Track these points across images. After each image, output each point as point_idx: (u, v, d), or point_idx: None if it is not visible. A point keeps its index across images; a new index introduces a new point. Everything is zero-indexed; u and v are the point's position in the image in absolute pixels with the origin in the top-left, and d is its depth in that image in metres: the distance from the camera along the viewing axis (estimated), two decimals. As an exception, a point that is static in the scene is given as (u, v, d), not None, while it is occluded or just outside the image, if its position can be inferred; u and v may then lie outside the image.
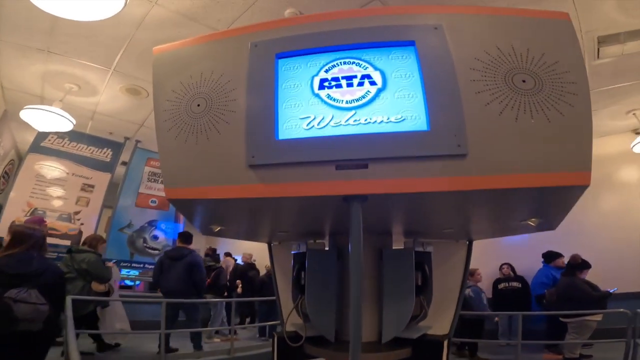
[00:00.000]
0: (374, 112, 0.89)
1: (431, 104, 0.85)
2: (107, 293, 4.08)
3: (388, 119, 0.88)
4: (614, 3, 3.19)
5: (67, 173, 6.06)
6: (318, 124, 0.90)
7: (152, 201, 6.87)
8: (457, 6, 0.96)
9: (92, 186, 6.27)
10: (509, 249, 5.60)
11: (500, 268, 5.58)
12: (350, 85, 0.92)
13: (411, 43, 0.91)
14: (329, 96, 0.92)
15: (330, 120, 0.89)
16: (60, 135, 5.96)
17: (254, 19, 3.53)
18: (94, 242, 4.24)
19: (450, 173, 0.80)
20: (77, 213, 6.01)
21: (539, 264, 5.31)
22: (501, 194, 0.82)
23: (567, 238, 4.88)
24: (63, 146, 6.09)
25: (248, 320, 6.85)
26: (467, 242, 1.60)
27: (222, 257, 7.09)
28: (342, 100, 0.91)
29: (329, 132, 0.89)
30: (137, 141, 6.66)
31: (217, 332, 5.58)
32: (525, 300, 5.20)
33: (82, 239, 4.43)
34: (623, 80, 4.30)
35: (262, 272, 7.05)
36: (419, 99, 0.88)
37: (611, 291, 4.26)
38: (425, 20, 0.93)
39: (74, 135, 6.07)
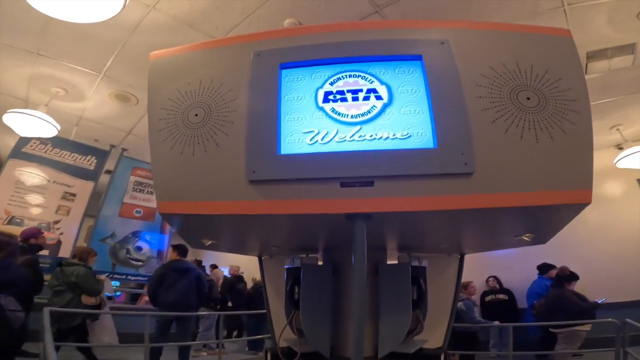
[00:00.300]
0: (380, 128, 0.86)
1: (439, 121, 0.83)
2: (99, 306, 3.98)
3: (394, 135, 0.85)
4: (605, 18, 3.28)
5: (48, 180, 5.84)
6: (322, 138, 0.86)
7: (136, 211, 6.68)
8: (462, 21, 0.96)
9: (74, 195, 6.06)
10: (496, 262, 5.67)
11: (487, 280, 5.66)
12: (355, 99, 0.89)
13: (418, 57, 0.90)
14: (333, 110, 0.89)
15: (334, 136, 0.86)
16: (43, 141, 5.77)
17: (252, 27, 3.50)
18: (85, 255, 4.13)
19: (457, 191, 0.78)
20: (56, 222, 5.78)
21: (525, 276, 5.39)
22: (505, 212, 0.81)
23: (554, 251, 4.96)
24: (45, 152, 5.89)
25: (235, 333, 6.70)
26: (459, 256, 1.63)
27: (207, 270, 6.95)
28: (347, 115, 0.88)
29: (334, 147, 0.85)
30: (123, 149, 6.50)
31: (204, 345, 5.44)
32: (512, 311, 5.27)
33: (72, 252, 4.28)
34: (608, 95, 4.42)
35: (249, 284, 6.93)
36: (425, 115, 0.87)
37: (599, 302, 4.32)
38: (432, 35, 0.92)
39: (57, 142, 5.88)
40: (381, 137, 0.85)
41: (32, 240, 4.11)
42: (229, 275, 6.84)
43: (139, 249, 6.47)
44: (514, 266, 5.56)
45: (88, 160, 6.27)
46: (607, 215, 5.50)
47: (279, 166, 0.84)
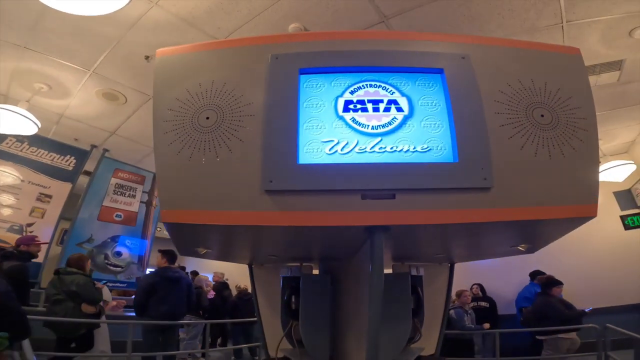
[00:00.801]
0: (401, 140, 0.85)
1: (460, 136, 0.83)
2: (98, 315, 3.87)
3: (414, 148, 0.84)
4: (599, 35, 3.43)
5: (22, 180, 5.56)
6: (342, 149, 0.84)
7: (117, 215, 6.41)
8: (480, 37, 0.97)
9: (50, 196, 5.78)
10: (480, 270, 5.83)
11: (471, 288, 5.81)
12: (376, 109, 0.88)
13: (439, 71, 0.90)
14: (354, 120, 0.87)
15: (355, 146, 0.84)
16: (19, 138, 5.51)
17: (256, 30, 3.45)
18: (80, 262, 3.97)
19: (476, 205, 0.79)
20: (29, 225, 5.48)
21: (508, 284, 5.66)
22: (520, 225, 0.82)
23: (536, 260, 5.23)
24: (21, 151, 5.62)
25: (219, 341, 6.50)
26: (449, 265, 1.68)
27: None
28: (368, 126, 0.87)
29: (354, 159, 0.83)
30: (105, 150, 6.29)
31: (189, 354, 5.26)
32: (492, 318, 5.45)
33: (67, 261, 4.04)
34: (593, 111, 4.63)
35: (233, 291, 6.77)
36: (445, 128, 0.86)
37: (586, 310, 4.43)
38: (453, 49, 0.92)
39: (34, 140, 5.62)
40: (402, 150, 0.84)
41: (22, 247, 3.92)
42: (213, 283, 6.67)
43: (118, 254, 6.19)
44: (497, 274, 5.77)
45: (66, 160, 6.02)
46: (585, 226, 5.73)
47: (298, 176, 0.81)
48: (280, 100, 0.88)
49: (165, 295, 4.08)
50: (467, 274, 5.84)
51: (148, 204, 6.84)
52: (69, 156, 6.04)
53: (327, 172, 0.81)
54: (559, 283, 4.60)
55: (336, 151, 0.84)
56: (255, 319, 1.77)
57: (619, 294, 5.21)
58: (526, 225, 0.82)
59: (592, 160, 0.85)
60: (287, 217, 0.80)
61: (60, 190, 5.86)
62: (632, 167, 5.63)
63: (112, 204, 6.38)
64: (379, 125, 0.87)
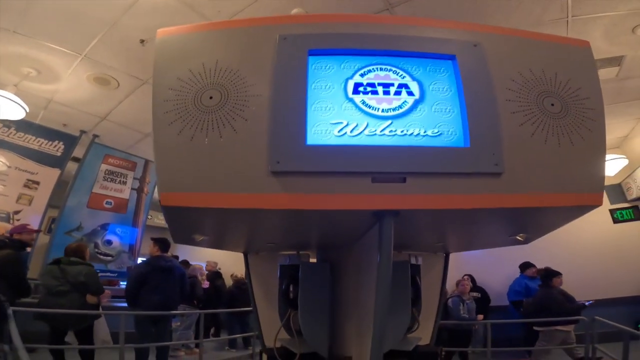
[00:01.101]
0: (411, 124, 0.84)
1: (472, 121, 0.82)
2: (98, 305, 3.85)
3: (425, 132, 0.84)
4: (602, 30, 3.46)
5: (9, 166, 5.41)
6: (351, 131, 0.82)
7: (107, 202, 6.27)
8: (492, 26, 0.96)
9: (37, 183, 5.64)
10: (471, 261, 5.86)
11: (462, 279, 5.75)
12: (387, 92, 0.86)
13: (451, 57, 0.89)
14: (364, 102, 0.85)
15: (364, 129, 0.83)
16: (5, 123, 5.35)
17: (257, 14, 3.37)
18: (81, 252, 3.88)
19: (487, 190, 0.79)
20: (17, 212, 5.35)
21: (498, 275, 5.72)
22: (528, 212, 0.83)
23: (524, 253, 5.26)
24: (8, 136, 5.46)
25: (212, 331, 6.39)
26: (444, 255, 1.71)
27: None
28: (378, 109, 0.85)
29: (364, 141, 0.82)
30: (95, 135, 6.14)
31: (182, 345, 5.19)
32: (484, 309, 5.49)
33: (65, 250, 3.92)
34: (588, 105, 4.69)
35: (227, 281, 6.65)
36: (456, 114, 0.86)
37: (587, 304, 4.48)
38: (464, 36, 0.92)
39: (21, 125, 5.46)
40: (412, 134, 0.83)
41: (15, 236, 3.79)
42: (206, 272, 6.55)
43: (109, 242, 6.08)
44: (485, 266, 5.82)
45: (55, 146, 5.87)
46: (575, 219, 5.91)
47: (306, 157, 0.79)
48: (288, 81, 0.85)
49: (157, 285, 3.98)
50: (456, 266, 5.89)
51: (139, 190, 6.72)
52: (57, 142, 5.89)
53: (336, 153, 0.80)
54: (557, 274, 4.63)
55: (345, 133, 0.82)
56: (251, 308, 1.76)
57: (607, 287, 5.27)
58: (534, 212, 0.83)
59: (600, 150, 0.86)
60: (294, 199, 0.78)
61: (48, 176, 5.72)
62: (624, 162, 5.73)
63: (102, 191, 6.24)
64: (390, 109, 0.85)
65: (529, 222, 0.97)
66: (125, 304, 4.32)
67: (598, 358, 4.14)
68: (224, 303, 6.08)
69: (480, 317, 5.11)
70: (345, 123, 0.83)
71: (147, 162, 6.80)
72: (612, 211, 6.17)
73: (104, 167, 6.31)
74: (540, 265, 5.25)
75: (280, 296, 1.44)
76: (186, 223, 1.02)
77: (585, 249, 5.79)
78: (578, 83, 0.90)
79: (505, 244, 1.40)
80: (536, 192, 0.80)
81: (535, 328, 4.49)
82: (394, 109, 0.85)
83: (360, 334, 1.20)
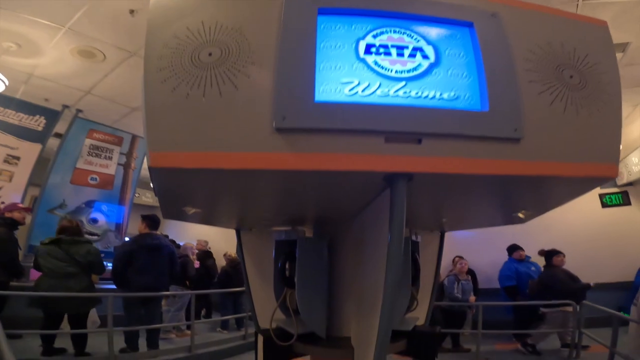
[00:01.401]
0: (426, 87, 0.80)
1: (491, 86, 0.80)
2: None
3: (441, 95, 0.80)
4: (611, 16, 3.48)
5: (-12, 141, 5.21)
6: (363, 90, 0.78)
7: (92, 178, 6.06)
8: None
9: (18, 158, 5.44)
10: (462, 243, 5.86)
11: (453, 260, 5.73)
12: (400, 55, 0.81)
13: (469, 24, 0.85)
14: (376, 63, 0.80)
15: (377, 89, 0.78)
16: (-16, 97, 5.12)
17: None
18: (77, 229, 3.70)
19: (506, 156, 0.77)
20: (-4, 188, 5.19)
21: (483, 258, 5.77)
22: (546, 181, 0.82)
23: (512, 236, 5.43)
24: (-14, 110, 5.24)
25: (203, 312, 6.28)
26: (440, 233, 1.72)
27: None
28: (392, 70, 0.80)
29: (377, 101, 0.77)
30: (78, 110, 5.92)
31: (173, 327, 5.10)
32: (474, 292, 5.47)
33: (60, 229, 3.70)
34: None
35: (220, 261, 6.50)
36: (473, 79, 0.83)
37: (591, 284, 4.58)
38: (483, 5, 0.89)
39: (0, 99, 5.23)
40: (427, 96, 0.79)
41: (6, 214, 3.71)
42: (196, 251, 6.43)
43: (94, 220, 5.90)
44: (475, 248, 5.81)
45: (36, 121, 5.64)
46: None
47: (315, 114, 0.74)
48: (295, 38, 0.79)
49: (145, 265, 3.82)
50: (448, 246, 5.87)
51: (126, 166, 6.52)
52: (38, 116, 5.66)
53: (347, 110, 0.75)
54: (557, 252, 4.72)
55: (357, 92, 0.77)
56: (244, 288, 1.71)
57: (595, 272, 5.19)
58: (550, 181, 0.81)
59: (617, 123, 0.87)
60: (300, 159, 0.73)
61: (30, 151, 5.51)
62: (617, 147, 5.81)
63: (86, 166, 6.03)
64: (404, 70, 0.81)
65: (540, 195, 0.96)
66: (111, 286, 4.18)
67: (584, 346, 4.25)
68: (217, 283, 5.98)
69: (473, 298, 5.12)
70: (356, 82, 0.78)
71: (134, 137, 6.60)
72: (601, 196, 6.24)
73: (88, 141, 6.09)
74: (527, 249, 5.34)
75: (276, 274, 1.39)
76: (177, 191, 0.96)
77: (572, 233, 5.79)
78: (596, 59, 0.90)
79: (504, 223, 1.42)
80: (554, 160, 0.79)
81: (542, 310, 4.57)
82: (408, 71, 0.80)
83: (360, 313, 1.16)
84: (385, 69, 0.80)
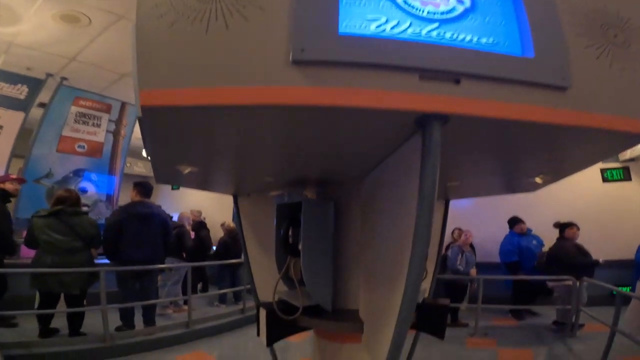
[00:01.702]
0: (462, 30, 0.71)
1: (536, 34, 0.72)
2: None
3: (478, 39, 0.71)
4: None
5: (-33, 110, 4.94)
6: (392, 28, 0.68)
7: (79, 146, 5.76)
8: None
9: (0, 127, 5.20)
10: (462, 215, 5.73)
11: (452, 233, 5.63)
12: (433, -4, 0.72)
13: None
14: (405, 2, 0.71)
15: (407, 28, 0.69)
16: (-39, 66, 4.81)
17: None
18: (78, 199, 3.44)
19: (552, 104, 0.71)
20: (-23, 157, 4.96)
21: (482, 232, 5.68)
22: (589, 134, 0.78)
23: (513, 209, 5.35)
24: (-35, 79, 4.93)
25: (200, 286, 6.07)
26: (445, 202, 1.69)
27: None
28: (423, 10, 0.71)
29: (409, 37, 0.68)
30: (63, 78, 5.64)
31: (171, 302, 4.92)
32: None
33: (57, 199, 3.38)
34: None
35: (218, 231, 6.18)
36: (514, 27, 0.75)
37: (600, 261, 4.56)
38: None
39: (-21, 70, 4.94)
40: (464, 39, 0.70)
41: None
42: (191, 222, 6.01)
43: (84, 190, 5.67)
44: (475, 222, 5.66)
45: (18, 89, 5.37)
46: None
47: (340, 46, 0.64)
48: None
49: (137, 236, 3.58)
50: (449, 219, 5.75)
51: (116, 133, 6.26)
52: (20, 85, 5.38)
53: (377, 44, 0.65)
54: (570, 225, 4.66)
55: (384, 30, 0.68)
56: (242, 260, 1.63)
57: (595, 248, 4.89)
58: (596, 134, 0.76)
59: None
60: (322, 93, 0.63)
61: (12, 119, 5.26)
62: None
63: (73, 134, 5.76)
64: (436, 12, 0.71)
65: (575, 151, 0.92)
66: (102, 261, 3.92)
67: (581, 324, 4.27)
68: (213, 255, 5.77)
69: (474, 271, 5.01)
70: (384, 19, 0.69)
71: (123, 104, 6.34)
72: (602, 170, 6.16)
73: (74, 109, 5.79)
74: (528, 222, 5.27)
75: (278, 242, 1.30)
76: (171, 140, 0.84)
77: (572, 207, 5.59)
78: (639, 22, 0.85)
79: (516, 189, 1.40)
80: (601, 113, 0.74)
81: (550, 284, 4.58)
82: (441, 13, 0.71)
83: (371, 284, 1.09)
84: (416, 9, 0.71)
